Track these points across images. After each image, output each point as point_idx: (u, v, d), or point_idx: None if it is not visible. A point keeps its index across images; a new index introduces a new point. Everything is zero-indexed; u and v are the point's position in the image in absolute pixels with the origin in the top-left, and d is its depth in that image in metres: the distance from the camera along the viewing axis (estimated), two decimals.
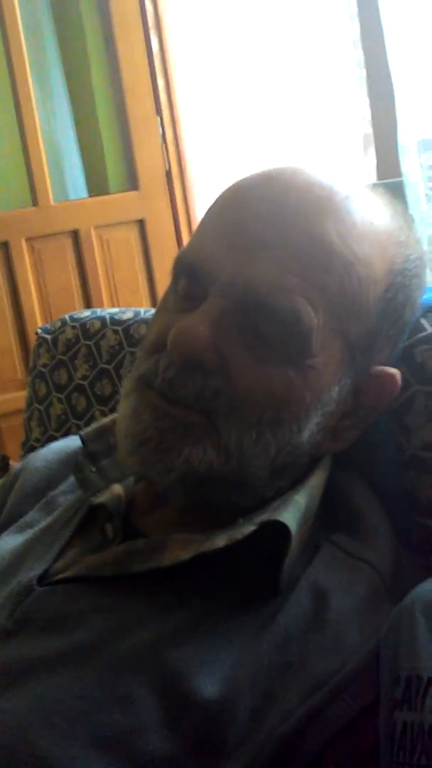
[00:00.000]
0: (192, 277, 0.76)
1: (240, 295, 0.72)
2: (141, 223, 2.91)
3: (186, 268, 0.77)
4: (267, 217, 0.73)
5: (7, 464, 1.56)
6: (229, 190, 0.80)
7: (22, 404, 1.47)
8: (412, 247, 0.81)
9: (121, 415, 0.78)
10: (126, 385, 0.79)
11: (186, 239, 2.84)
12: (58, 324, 1.39)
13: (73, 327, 1.35)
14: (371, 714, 0.66)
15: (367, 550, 0.77)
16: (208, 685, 0.66)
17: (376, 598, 0.74)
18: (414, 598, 0.67)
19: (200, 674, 0.67)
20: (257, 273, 0.72)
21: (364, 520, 0.80)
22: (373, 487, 0.84)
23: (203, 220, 0.81)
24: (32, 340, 2.76)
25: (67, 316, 1.41)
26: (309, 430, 0.75)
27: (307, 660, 0.68)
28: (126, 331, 1.26)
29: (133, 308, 1.34)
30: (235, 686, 0.66)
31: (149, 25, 2.84)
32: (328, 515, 0.80)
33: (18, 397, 2.36)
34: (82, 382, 1.30)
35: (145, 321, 1.25)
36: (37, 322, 2.72)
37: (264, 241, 0.73)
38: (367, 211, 0.77)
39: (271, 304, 0.71)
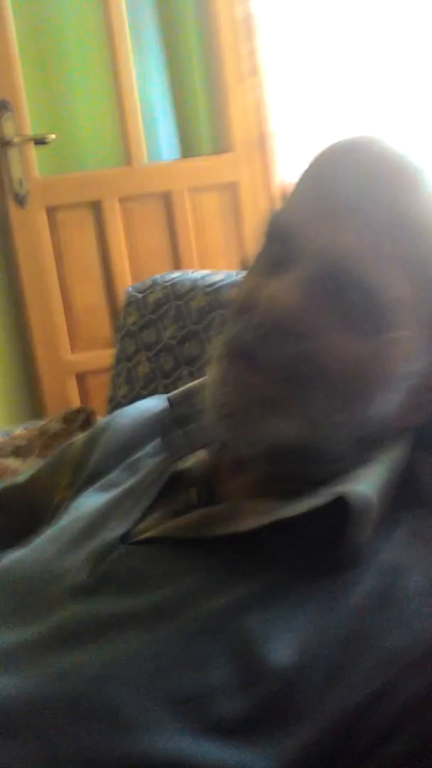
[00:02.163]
0: (283, 241, 0.76)
1: (331, 263, 0.72)
2: (233, 186, 2.89)
3: (278, 232, 0.77)
4: (358, 185, 0.73)
5: (93, 419, 1.58)
6: (321, 154, 0.79)
7: (108, 362, 1.50)
8: None
9: (210, 381, 0.79)
10: (217, 348, 0.79)
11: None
12: (149, 284, 1.41)
13: (164, 287, 1.37)
14: None
15: None
16: (282, 652, 0.66)
17: None
18: None
19: (274, 640, 0.67)
20: (349, 240, 0.72)
21: None
22: None
23: (298, 183, 0.80)
24: (120, 300, 2.79)
25: (157, 277, 1.42)
26: (394, 403, 0.75)
27: (380, 634, 0.68)
28: (216, 292, 1.27)
29: (224, 271, 1.34)
30: (308, 654, 0.66)
31: None
32: (409, 492, 0.79)
33: (104, 355, 2.40)
34: (170, 341, 1.31)
35: (235, 284, 1.25)
36: (126, 282, 2.74)
37: (355, 208, 0.72)
38: None
39: (360, 274, 0.71)
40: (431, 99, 2.50)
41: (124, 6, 2.74)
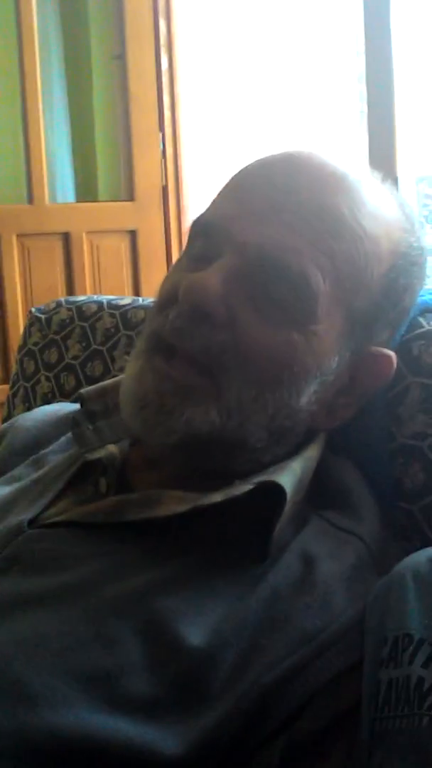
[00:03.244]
0: (207, 237, 0.79)
1: (252, 255, 0.75)
2: (133, 234, 2.95)
3: (202, 228, 0.80)
4: (282, 186, 0.77)
5: None
6: (248, 165, 0.83)
7: None
8: (415, 235, 0.84)
9: (126, 376, 0.80)
10: (139, 344, 0.80)
11: (176, 254, 2.88)
12: (53, 305, 1.40)
13: (69, 309, 1.36)
14: (353, 674, 0.67)
15: (355, 524, 0.79)
16: (194, 634, 0.67)
17: (363, 568, 0.76)
18: (403, 566, 0.70)
19: (187, 623, 0.68)
20: (270, 234, 0.75)
21: (352, 497, 0.82)
22: (362, 471, 0.87)
23: (223, 187, 0.84)
24: (11, 337, 2.76)
25: (62, 299, 1.42)
26: (307, 397, 0.77)
27: (294, 617, 0.70)
28: (123, 315, 1.28)
29: (131, 297, 1.36)
30: (220, 636, 0.67)
31: (161, 43, 2.90)
32: (318, 492, 0.82)
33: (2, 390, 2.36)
34: (72, 362, 1.31)
35: (143, 307, 1.27)
36: (18, 318, 2.73)
37: (278, 205, 0.76)
38: (377, 195, 0.81)
39: (281, 266, 0.74)
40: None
41: (37, 51, 2.79)
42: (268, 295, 0.75)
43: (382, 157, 2.18)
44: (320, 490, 0.83)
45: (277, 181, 0.78)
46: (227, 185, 0.83)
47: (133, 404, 0.77)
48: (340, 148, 2.56)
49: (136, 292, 2.90)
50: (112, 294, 2.85)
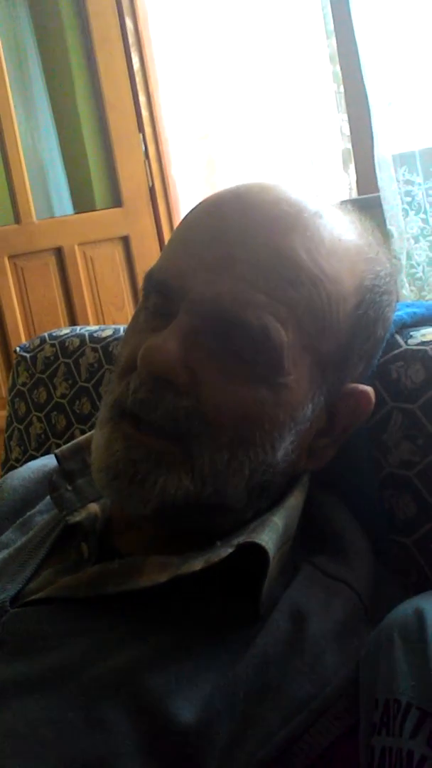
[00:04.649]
0: (161, 294, 0.75)
1: (209, 312, 0.71)
2: (125, 240, 2.91)
3: (155, 285, 0.76)
4: (234, 234, 0.73)
5: None
6: (197, 207, 0.79)
7: (4, 423, 1.46)
8: (381, 263, 0.80)
9: (94, 446, 0.77)
10: (102, 413, 0.77)
11: None
12: (37, 342, 1.38)
13: (52, 345, 1.34)
14: (351, 737, 0.65)
15: (346, 570, 0.76)
16: (185, 710, 0.64)
17: (355, 620, 0.73)
18: (391, 621, 0.67)
19: (177, 699, 0.65)
20: (225, 290, 0.71)
21: (343, 540, 0.79)
22: (352, 506, 0.83)
23: (172, 236, 0.80)
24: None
25: (45, 334, 1.39)
26: (284, 449, 0.74)
27: (286, 684, 0.67)
28: (105, 348, 1.25)
29: (113, 326, 1.33)
30: (212, 711, 0.65)
31: (129, 43, 2.85)
32: (308, 536, 0.79)
33: (2, 416, 2.36)
34: (61, 400, 1.29)
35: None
36: (21, 339, 2.71)
37: (232, 257, 0.72)
38: (335, 228, 0.76)
39: (240, 322, 0.71)
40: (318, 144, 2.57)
41: (4, 65, 2.75)
42: (231, 352, 0.71)
43: (363, 140, 2.13)
44: (310, 533, 0.80)
45: (229, 228, 0.73)
46: (178, 233, 0.79)
47: (105, 474, 0.74)
48: (322, 134, 2.49)
49: (136, 298, 2.88)
50: (112, 303, 2.87)
